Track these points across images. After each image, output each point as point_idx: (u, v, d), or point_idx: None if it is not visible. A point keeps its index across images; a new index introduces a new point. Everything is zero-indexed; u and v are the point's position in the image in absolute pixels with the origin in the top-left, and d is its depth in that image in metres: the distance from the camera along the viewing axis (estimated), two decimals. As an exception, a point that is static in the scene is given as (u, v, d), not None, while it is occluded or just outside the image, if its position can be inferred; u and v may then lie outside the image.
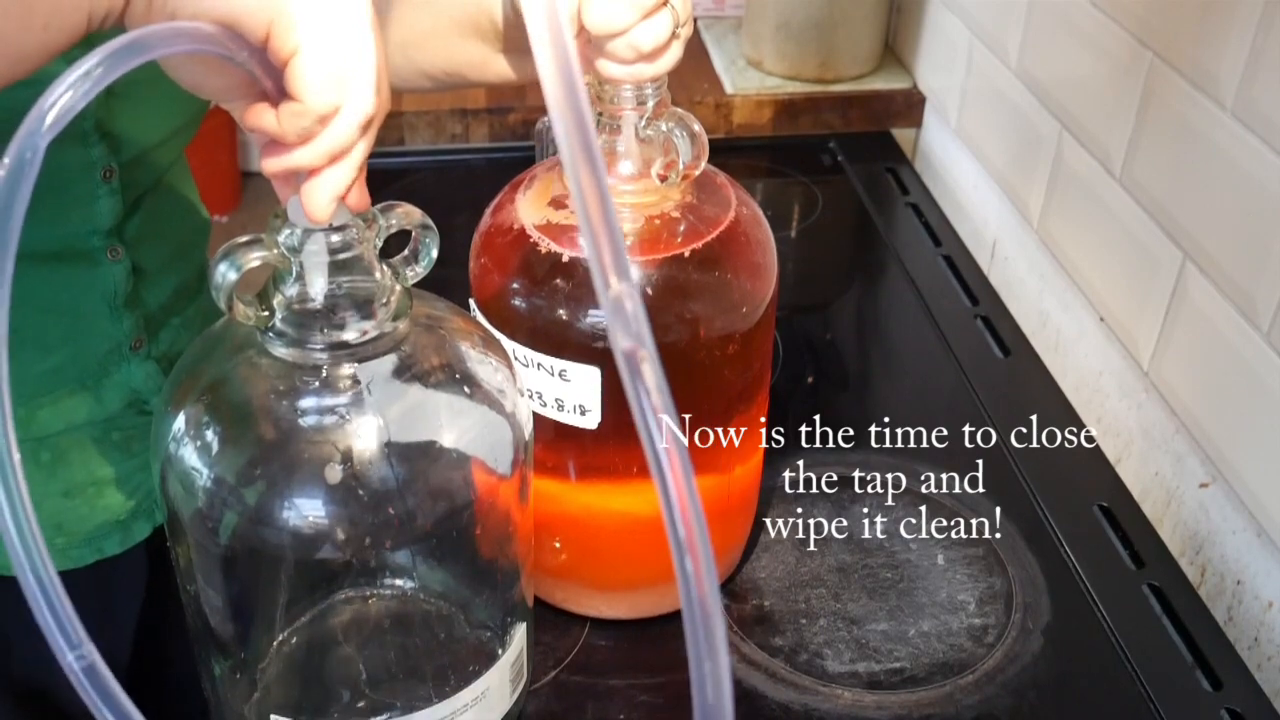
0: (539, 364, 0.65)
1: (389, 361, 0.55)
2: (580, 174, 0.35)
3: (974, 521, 0.84)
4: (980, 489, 0.87)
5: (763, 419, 0.74)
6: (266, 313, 0.53)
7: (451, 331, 0.59)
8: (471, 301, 0.69)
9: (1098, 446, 0.92)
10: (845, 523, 0.84)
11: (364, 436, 0.55)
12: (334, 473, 0.54)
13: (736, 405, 0.70)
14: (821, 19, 1.30)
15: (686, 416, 0.68)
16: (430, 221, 0.54)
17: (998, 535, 0.83)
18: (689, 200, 0.67)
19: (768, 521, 0.84)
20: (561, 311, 0.64)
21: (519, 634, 0.65)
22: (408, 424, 0.57)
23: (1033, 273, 1.09)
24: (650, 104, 0.64)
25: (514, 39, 0.67)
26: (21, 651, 0.73)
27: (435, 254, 0.54)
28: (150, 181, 0.73)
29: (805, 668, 0.74)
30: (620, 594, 0.76)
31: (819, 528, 0.84)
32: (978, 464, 0.89)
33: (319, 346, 0.53)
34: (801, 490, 0.87)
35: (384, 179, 1.24)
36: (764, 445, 0.76)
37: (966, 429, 0.93)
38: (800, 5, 1.29)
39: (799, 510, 0.85)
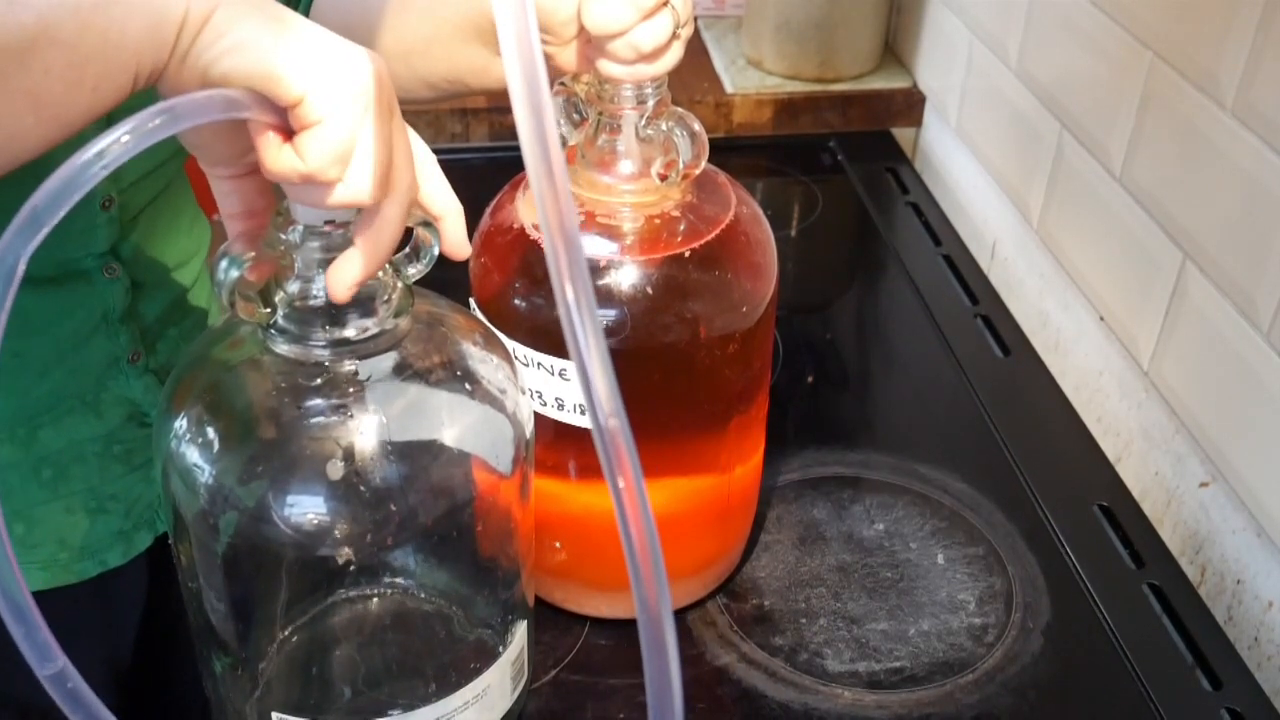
0: (539, 363, 0.65)
1: (390, 359, 0.55)
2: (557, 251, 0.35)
3: (974, 521, 0.84)
4: (980, 489, 0.87)
5: (763, 419, 0.74)
6: (268, 310, 0.53)
7: (453, 329, 0.59)
8: (471, 301, 0.69)
9: (1098, 446, 0.92)
10: (845, 523, 0.84)
11: (365, 434, 0.55)
12: (335, 470, 0.55)
13: (736, 405, 0.70)
14: (821, 19, 1.30)
15: (686, 417, 0.68)
16: (431, 219, 0.54)
17: (998, 535, 0.83)
18: (689, 200, 0.67)
19: (768, 521, 0.84)
20: (562, 311, 0.64)
21: (520, 632, 0.65)
22: (409, 421, 0.57)
23: (1033, 273, 1.09)
24: (650, 103, 0.64)
25: None
26: (24, 666, 0.73)
27: (436, 252, 0.54)
28: (147, 200, 0.73)
29: (805, 667, 0.74)
30: (620, 594, 0.76)
31: (819, 528, 0.84)
32: (978, 464, 0.89)
33: (320, 343, 0.53)
34: (801, 490, 0.87)
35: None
36: (764, 445, 0.76)
37: (966, 429, 0.93)
38: (800, 5, 1.29)
39: (799, 510, 0.85)
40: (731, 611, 0.78)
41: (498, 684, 0.64)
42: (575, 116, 0.67)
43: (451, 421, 0.58)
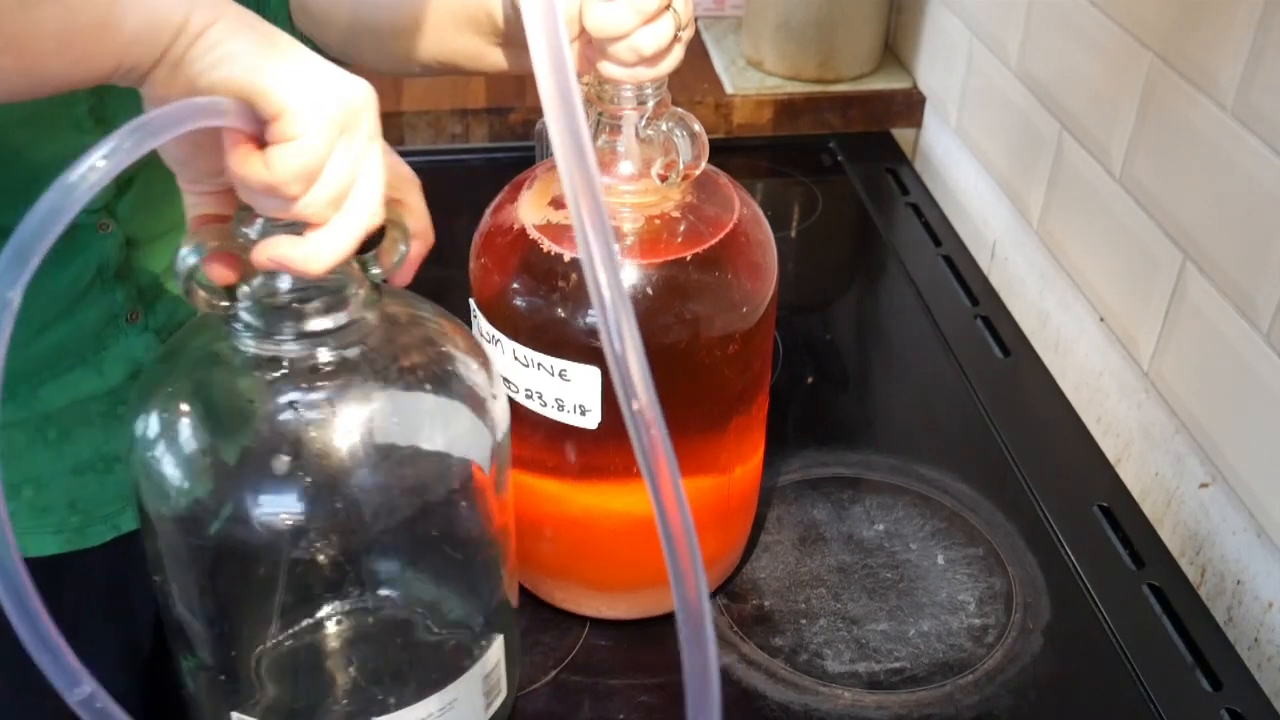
0: (539, 364, 0.65)
1: (359, 354, 0.54)
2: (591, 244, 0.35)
3: (974, 521, 0.84)
4: (980, 489, 0.87)
5: (763, 419, 0.74)
6: (227, 302, 0.52)
7: (426, 327, 0.59)
8: (471, 301, 0.69)
9: (1098, 446, 0.92)
10: (845, 523, 0.84)
11: (334, 431, 0.54)
12: (303, 469, 0.54)
13: (736, 405, 0.70)
14: (821, 19, 1.30)
15: (687, 417, 0.68)
16: (400, 216, 0.53)
17: (998, 535, 0.83)
18: (689, 200, 0.67)
19: (768, 521, 0.84)
20: (561, 311, 0.64)
21: (495, 646, 0.64)
22: (379, 419, 0.56)
23: (1033, 273, 1.09)
24: (650, 104, 0.64)
25: (512, 34, 0.67)
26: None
27: (405, 249, 0.54)
28: (143, 162, 0.73)
29: (805, 668, 0.74)
30: (620, 594, 0.76)
31: (819, 528, 0.84)
32: (978, 464, 0.89)
33: (286, 338, 0.53)
34: (801, 490, 0.87)
35: (384, 179, 1.24)
36: (764, 445, 0.76)
37: (966, 429, 0.93)
38: (800, 5, 1.29)
39: (799, 510, 0.85)
40: (731, 612, 0.78)
41: (466, 698, 0.62)
42: (575, 117, 0.67)
43: (423, 420, 0.57)
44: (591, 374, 0.64)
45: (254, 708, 0.62)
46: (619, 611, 0.76)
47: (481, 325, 0.68)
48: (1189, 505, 0.87)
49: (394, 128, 1.27)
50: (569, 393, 0.65)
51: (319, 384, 0.54)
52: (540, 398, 0.67)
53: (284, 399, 0.54)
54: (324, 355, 0.54)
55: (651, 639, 0.75)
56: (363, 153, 0.49)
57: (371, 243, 0.54)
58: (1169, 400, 0.89)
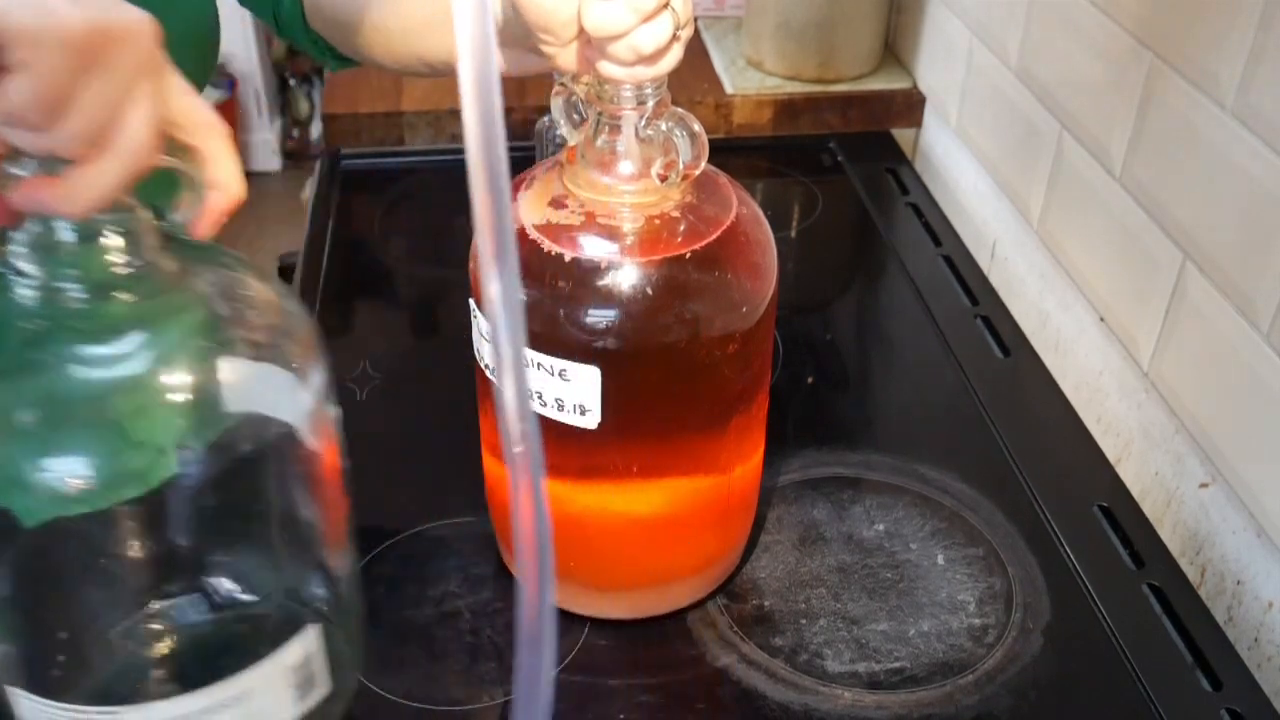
0: (539, 364, 0.65)
1: (150, 306, 0.51)
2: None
3: (974, 521, 0.84)
4: (980, 489, 0.87)
5: (763, 419, 0.74)
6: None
7: (231, 282, 0.55)
8: (471, 301, 0.69)
9: (1098, 446, 0.92)
10: (845, 523, 0.84)
11: (122, 387, 0.50)
12: (89, 428, 0.50)
13: (736, 405, 0.70)
14: (821, 19, 1.30)
15: (686, 417, 0.68)
16: (195, 162, 0.50)
17: (998, 535, 0.83)
18: (689, 200, 0.67)
19: (768, 521, 0.84)
20: (561, 311, 0.64)
21: (309, 633, 0.58)
22: (174, 375, 0.52)
23: (1033, 273, 1.09)
24: (650, 104, 0.64)
25: (510, 34, 0.67)
26: None
27: (200, 197, 0.51)
28: None
29: (805, 668, 0.74)
30: (620, 594, 0.76)
31: (819, 528, 0.84)
32: (978, 464, 0.89)
33: (67, 287, 0.49)
34: (801, 490, 0.87)
35: (384, 179, 1.24)
36: (764, 445, 0.76)
37: (966, 429, 0.93)
38: (800, 5, 1.29)
39: (799, 510, 0.85)
40: (731, 612, 0.78)
41: (266, 689, 0.57)
42: (575, 117, 0.67)
43: (225, 377, 0.53)
44: (591, 374, 0.64)
45: (31, 683, 0.57)
46: (619, 611, 0.76)
47: (482, 325, 0.68)
48: (1189, 505, 0.87)
49: (394, 128, 1.27)
50: (569, 393, 0.65)
51: (104, 336, 0.50)
52: (540, 398, 0.67)
53: (66, 351, 0.50)
54: (110, 306, 0.50)
55: (651, 639, 0.75)
56: (125, 88, 0.45)
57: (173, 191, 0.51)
58: (1169, 400, 0.89)
